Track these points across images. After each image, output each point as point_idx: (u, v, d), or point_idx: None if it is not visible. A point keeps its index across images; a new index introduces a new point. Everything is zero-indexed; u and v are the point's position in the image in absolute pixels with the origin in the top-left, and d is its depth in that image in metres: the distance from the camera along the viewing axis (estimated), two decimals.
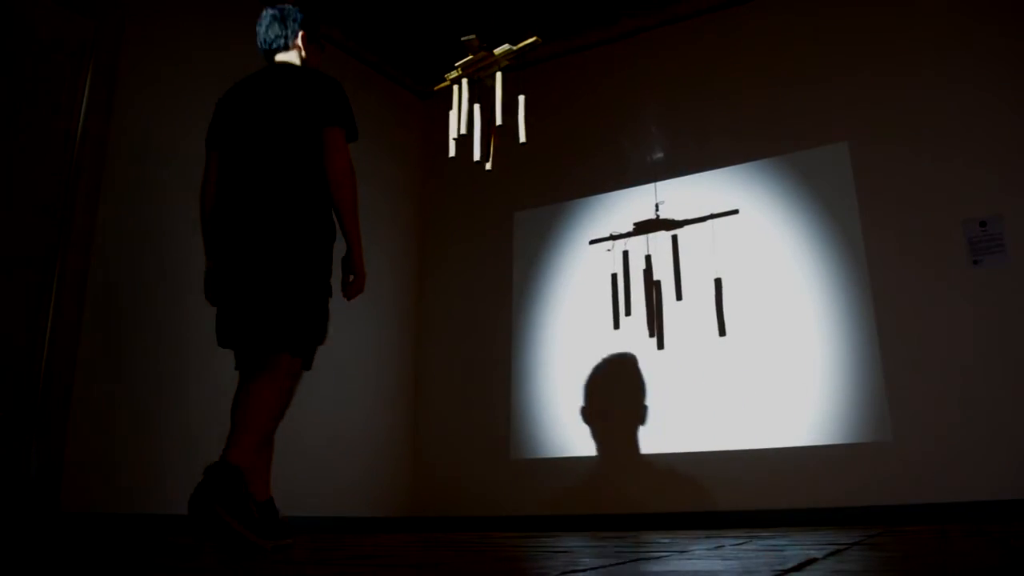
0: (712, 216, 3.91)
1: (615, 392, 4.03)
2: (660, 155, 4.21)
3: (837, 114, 3.81)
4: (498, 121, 2.86)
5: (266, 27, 2.38)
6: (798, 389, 3.59)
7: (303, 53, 2.37)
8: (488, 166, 2.91)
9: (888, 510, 3.26)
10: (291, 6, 2.43)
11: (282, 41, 2.36)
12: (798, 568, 1.19)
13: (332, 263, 2.20)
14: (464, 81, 2.91)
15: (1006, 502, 3.05)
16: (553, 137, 4.47)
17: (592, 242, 4.23)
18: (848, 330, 3.56)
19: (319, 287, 2.17)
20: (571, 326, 4.23)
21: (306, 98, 2.20)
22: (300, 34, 2.36)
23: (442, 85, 3.02)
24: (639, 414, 3.93)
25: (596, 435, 4.03)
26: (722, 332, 3.67)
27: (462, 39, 2.81)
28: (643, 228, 4.04)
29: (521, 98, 2.92)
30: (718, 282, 3.74)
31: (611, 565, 1.34)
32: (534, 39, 2.86)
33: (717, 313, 3.69)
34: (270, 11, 2.40)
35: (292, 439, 3.68)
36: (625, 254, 3.98)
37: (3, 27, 2.91)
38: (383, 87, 4.81)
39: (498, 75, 2.91)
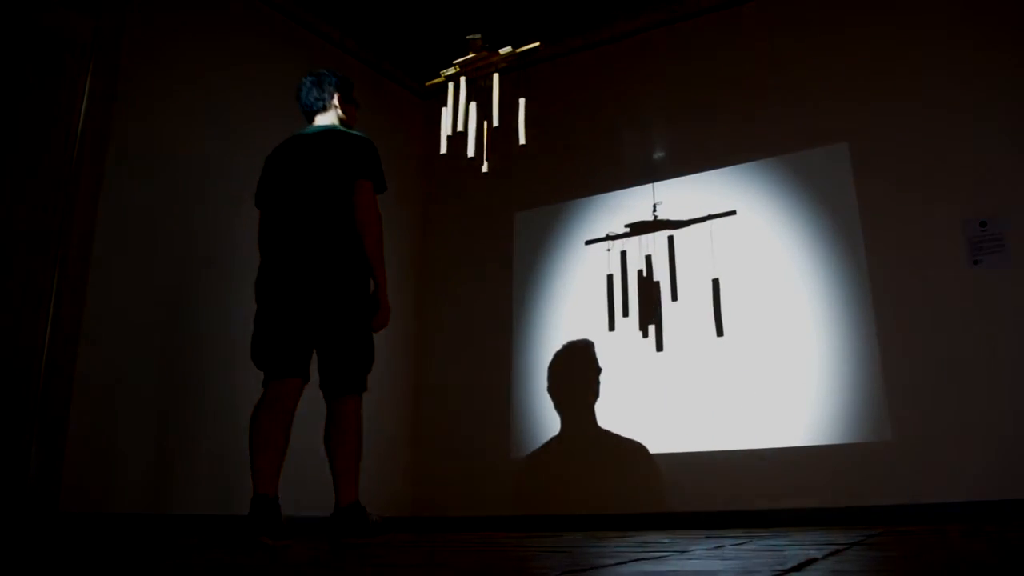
0: (710, 217, 3.92)
1: (615, 392, 4.03)
2: (661, 154, 4.21)
3: (837, 114, 3.81)
4: (495, 123, 2.86)
5: (306, 92, 2.70)
6: (798, 389, 3.59)
7: (340, 112, 2.68)
8: (484, 168, 2.91)
9: (888, 510, 3.26)
10: (326, 71, 2.73)
11: (320, 103, 2.67)
12: (798, 568, 1.19)
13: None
14: (463, 79, 2.91)
15: (1006, 502, 3.05)
16: (553, 137, 4.47)
17: (588, 242, 4.23)
18: (848, 330, 3.56)
19: (368, 326, 2.55)
20: (572, 326, 4.23)
21: (341, 156, 2.51)
22: (336, 96, 2.67)
23: (436, 81, 3.01)
24: (638, 414, 3.93)
25: (596, 435, 4.02)
26: (720, 332, 3.69)
27: (467, 37, 2.81)
28: (640, 229, 4.05)
29: (522, 101, 2.93)
30: (715, 282, 3.75)
31: (611, 565, 1.34)
32: (535, 44, 2.87)
33: (715, 313, 3.70)
34: (309, 77, 2.71)
35: (292, 440, 3.68)
36: (623, 254, 3.99)
37: (3, 27, 2.91)
38: (383, 87, 4.81)
39: (495, 76, 2.92)
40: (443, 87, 3.07)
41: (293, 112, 4.07)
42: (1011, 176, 3.36)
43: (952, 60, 3.59)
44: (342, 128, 2.64)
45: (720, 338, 3.75)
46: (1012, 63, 3.45)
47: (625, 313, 3.91)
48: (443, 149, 2.95)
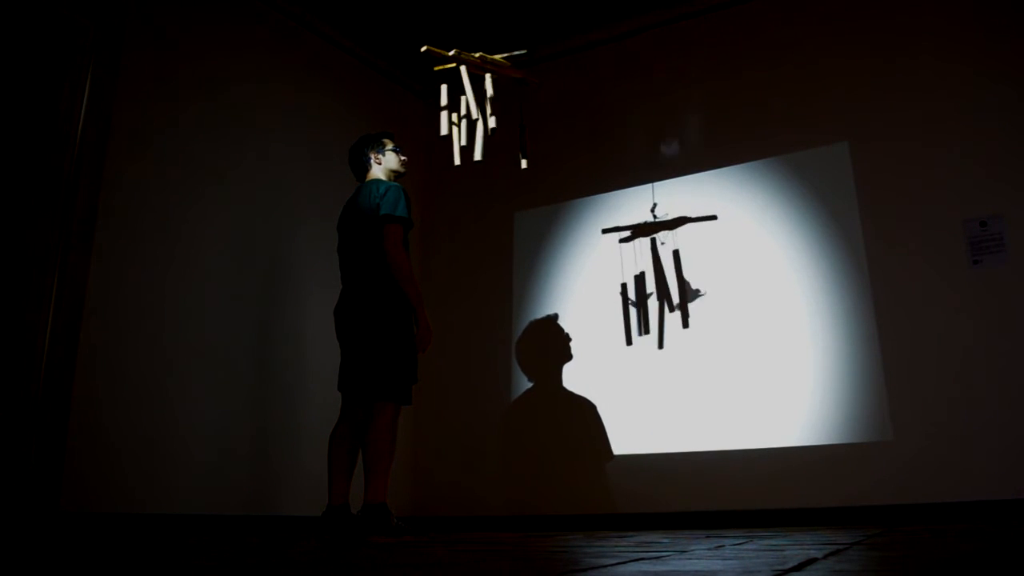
0: (700, 219, 3.94)
1: (615, 392, 4.03)
2: (672, 147, 4.21)
3: (837, 114, 3.81)
4: (491, 124, 2.98)
5: (351, 165, 3.17)
6: (798, 389, 3.59)
7: (379, 164, 3.13)
8: (478, 155, 3.02)
9: (888, 510, 3.26)
10: (358, 141, 3.15)
11: (362, 169, 3.14)
12: (798, 568, 1.19)
13: (411, 324, 2.95)
14: (487, 76, 3.02)
15: (1005, 502, 3.06)
16: (553, 137, 4.47)
17: (605, 231, 4.24)
18: (848, 330, 3.56)
19: (399, 348, 2.86)
20: (572, 326, 4.23)
21: (370, 205, 2.93)
22: (371, 156, 3.12)
23: (444, 67, 3.09)
24: (640, 414, 3.93)
25: (596, 435, 4.02)
26: (681, 292, 3.88)
27: (514, 53, 2.98)
28: (641, 230, 4.08)
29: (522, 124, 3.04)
30: (676, 253, 3.87)
31: (611, 565, 1.34)
32: (523, 51, 3.13)
33: (678, 280, 3.86)
34: (350, 151, 3.16)
35: (292, 439, 3.69)
36: (655, 253, 4.04)
37: (3, 28, 2.91)
38: (383, 87, 4.81)
39: (488, 79, 3.04)
40: (441, 73, 3.17)
41: (292, 112, 4.08)
42: (1011, 176, 3.36)
43: (952, 60, 3.59)
44: (379, 179, 3.06)
45: (720, 337, 3.76)
46: (1012, 63, 3.45)
47: (645, 323, 3.96)
48: (443, 131, 3.12)
